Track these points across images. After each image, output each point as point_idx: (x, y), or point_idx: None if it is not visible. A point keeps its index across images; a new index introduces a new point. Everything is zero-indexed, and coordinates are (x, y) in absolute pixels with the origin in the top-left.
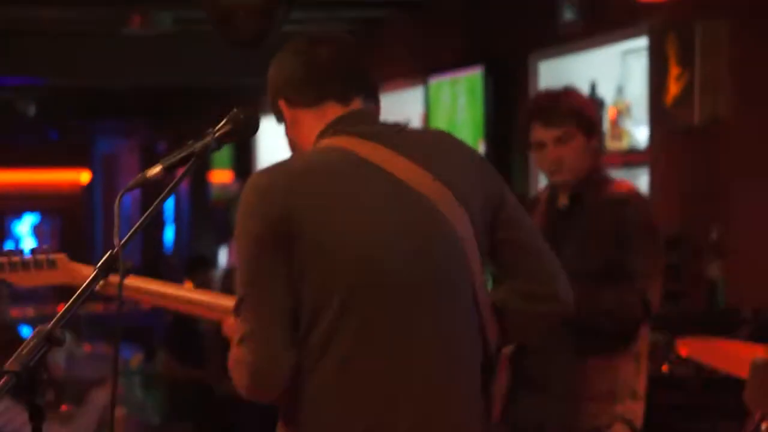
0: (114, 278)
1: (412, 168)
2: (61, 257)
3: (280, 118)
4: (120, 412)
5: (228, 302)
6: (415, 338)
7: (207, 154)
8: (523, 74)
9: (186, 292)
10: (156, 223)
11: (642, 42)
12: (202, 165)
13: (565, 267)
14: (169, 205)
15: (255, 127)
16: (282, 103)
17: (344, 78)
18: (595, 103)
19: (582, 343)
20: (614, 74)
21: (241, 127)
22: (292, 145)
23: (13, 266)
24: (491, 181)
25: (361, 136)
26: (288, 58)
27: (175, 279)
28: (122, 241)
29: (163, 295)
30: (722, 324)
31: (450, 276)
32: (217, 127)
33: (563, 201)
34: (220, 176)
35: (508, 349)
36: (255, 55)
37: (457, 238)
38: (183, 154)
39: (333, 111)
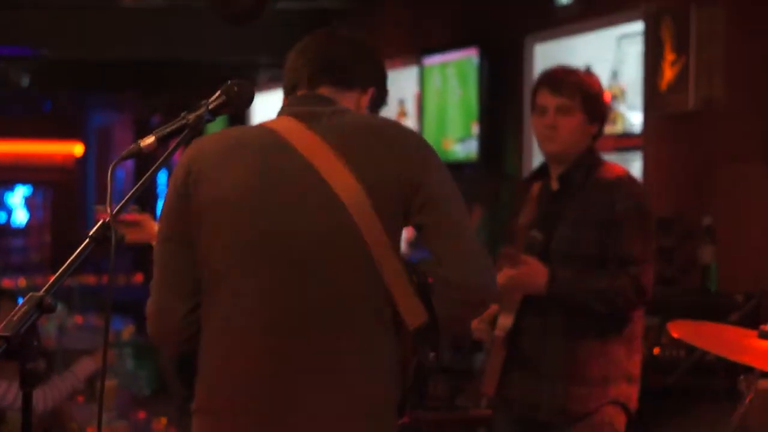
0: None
1: (324, 151)
2: (145, 217)
3: None
4: (111, 383)
5: None
6: (289, 311)
7: (200, 125)
8: (519, 57)
9: None
10: (149, 195)
11: (637, 27)
12: (196, 138)
13: (557, 249)
14: (163, 177)
15: (249, 100)
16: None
17: (314, 68)
18: (606, 98)
19: (573, 325)
20: (609, 58)
21: (235, 99)
22: None
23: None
24: (408, 168)
25: (294, 115)
26: (290, 53)
27: None
28: (114, 211)
29: None
30: (715, 308)
31: (338, 256)
32: (211, 99)
33: (554, 184)
34: None
35: (503, 330)
36: (248, 30)
37: (352, 222)
38: (176, 125)
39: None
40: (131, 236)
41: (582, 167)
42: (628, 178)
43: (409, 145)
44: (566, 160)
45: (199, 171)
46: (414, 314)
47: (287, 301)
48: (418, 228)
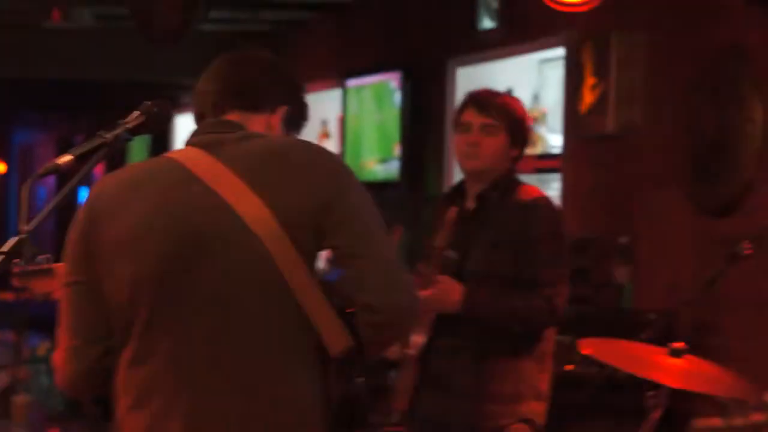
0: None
1: (231, 180)
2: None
3: None
4: (24, 398)
5: None
6: (202, 348)
7: (118, 144)
8: (441, 80)
9: None
10: (70, 215)
11: (559, 51)
12: (118, 157)
13: (472, 270)
14: (84, 195)
15: (167, 120)
16: None
17: (220, 93)
18: (529, 123)
19: (485, 344)
20: (531, 82)
21: (153, 118)
22: None
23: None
24: (319, 189)
25: (199, 144)
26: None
27: None
28: (28, 226)
29: None
30: (628, 326)
31: (251, 287)
32: (129, 118)
33: (471, 203)
34: None
35: (416, 348)
36: (174, 51)
37: (265, 251)
38: (94, 143)
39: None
40: (41, 287)
41: (499, 188)
42: (545, 201)
43: (319, 165)
44: (485, 180)
45: (98, 210)
46: (336, 340)
47: (199, 337)
48: (333, 250)
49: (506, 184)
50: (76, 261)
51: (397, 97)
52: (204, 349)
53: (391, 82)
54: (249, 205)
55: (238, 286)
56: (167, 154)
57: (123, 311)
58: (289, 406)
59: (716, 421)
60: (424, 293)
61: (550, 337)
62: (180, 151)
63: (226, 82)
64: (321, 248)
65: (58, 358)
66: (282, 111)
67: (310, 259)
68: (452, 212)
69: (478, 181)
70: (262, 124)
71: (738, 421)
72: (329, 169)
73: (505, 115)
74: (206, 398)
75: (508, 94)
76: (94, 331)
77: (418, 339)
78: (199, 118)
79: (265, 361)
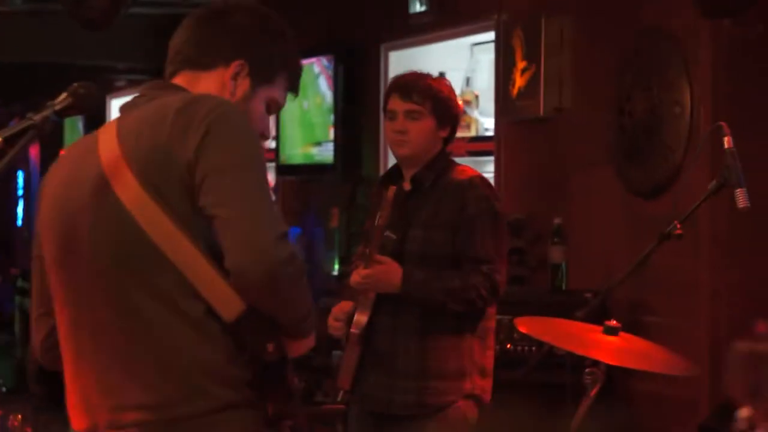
0: None
1: (112, 148)
2: None
3: None
4: None
5: None
6: (86, 325)
7: (46, 126)
8: (374, 64)
9: None
10: (7, 198)
11: (490, 35)
12: (53, 142)
13: (411, 250)
14: (20, 179)
15: (94, 102)
16: None
17: (170, 54)
18: (457, 102)
19: (427, 323)
20: (463, 66)
21: (81, 100)
22: None
23: None
24: (184, 148)
25: (119, 110)
26: None
27: (27, 252)
28: None
29: None
30: (564, 305)
31: (124, 261)
32: (56, 100)
33: (407, 185)
34: None
35: (358, 327)
36: (107, 35)
37: (134, 223)
38: (22, 125)
39: None
40: None
41: (433, 169)
42: (480, 180)
43: (193, 119)
44: (418, 164)
45: (42, 186)
46: (228, 306)
47: (83, 314)
48: (201, 210)
49: (441, 165)
50: (36, 237)
51: (322, 81)
52: (87, 328)
53: (314, 66)
54: (120, 174)
55: (111, 260)
56: (84, 139)
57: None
58: (178, 371)
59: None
60: (364, 272)
61: (492, 315)
62: (102, 127)
63: (178, 41)
64: (199, 212)
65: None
66: (236, 65)
67: (191, 225)
68: (391, 192)
69: (412, 166)
70: (216, 82)
71: None
72: (200, 122)
73: (429, 99)
74: (93, 377)
75: (431, 75)
76: (47, 303)
77: (361, 318)
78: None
79: (148, 338)
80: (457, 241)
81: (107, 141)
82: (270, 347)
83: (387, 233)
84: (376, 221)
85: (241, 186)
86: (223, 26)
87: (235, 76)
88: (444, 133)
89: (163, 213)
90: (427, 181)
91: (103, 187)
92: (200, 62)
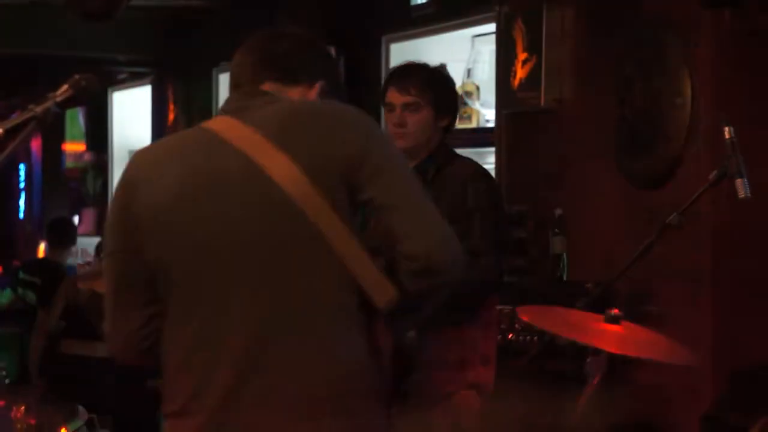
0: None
1: (260, 142)
2: None
3: None
4: None
5: None
6: (233, 303)
7: (48, 117)
8: (375, 55)
9: None
10: (9, 192)
11: (491, 27)
12: (55, 135)
13: None
14: (22, 172)
15: (95, 94)
16: None
17: (257, 64)
18: (454, 90)
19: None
20: (464, 57)
21: (82, 92)
22: None
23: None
24: (349, 143)
25: (227, 112)
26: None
27: (29, 244)
28: None
29: None
30: (566, 295)
31: (289, 249)
32: (57, 92)
33: None
34: (74, 148)
35: None
36: (108, 27)
37: (299, 211)
38: (24, 117)
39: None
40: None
41: (435, 161)
42: (482, 173)
43: (346, 121)
44: (419, 155)
45: (135, 180)
46: (381, 291)
47: (241, 298)
48: (368, 203)
49: (443, 156)
50: (116, 230)
51: None
52: (247, 316)
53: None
54: (278, 165)
55: (275, 249)
56: (198, 124)
57: (166, 276)
58: (338, 359)
59: None
60: None
61: (494, 304)
62: (210, 120)
63: (263, 53)
64: (357, 203)
65: (107, 327)
66: (319, 86)
67: (347, 214)
68: None
69: (413, 157)
70: (300, 96)
71: None
72: (356, 122)
73: (426, 89)
74: (249, 366)
75: (427, 64)
76: (137, 297)
77: None
78: (233, 89)
79: (309, 317)
80: (457, 232)
81: (246, 136)
82: (413, 336)
83: None
84: None
85: (409, 183)
86: (317, 50)
87: (319, 95)
88: (444, 122)
89: (324, 200)
90: (428, 173)
91: (262, 180)
92: (288, 76)
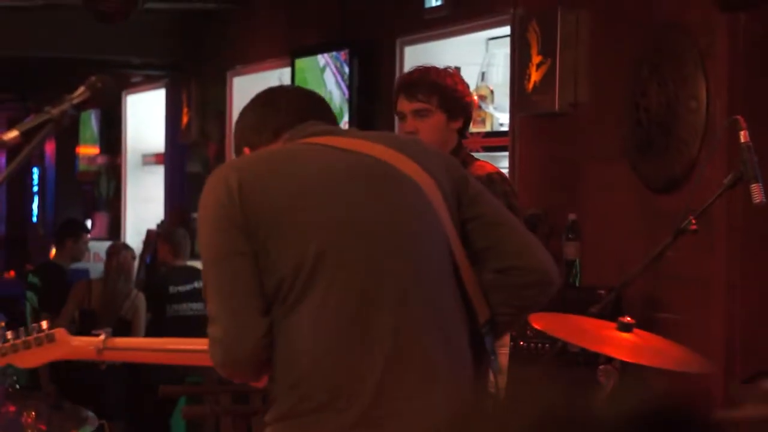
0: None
1: (385, 150)
2: (59, 331)
3: None
4: None
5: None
6: (386, 291)
7: (64, 119)
8: (389, 58)
9: (166, 344)
10: (22, 195)
11: (506, 29)
12: (69, 139)
13: None
14: (36, 177)
15: (112, 96)
16: (246, 150)
17: (297, 111)
18: (465, 91)
19: None
20: (478, 60)
21: (99, 94)
22: None
23: (15, 348)
24: (452, 163)
25: (315, 134)
26: (250, 109)
27: (42, 248)
28: None
29: (146, 350)
30: (579, 302)
31: (433, 256)
32: (74, 94)
33: None
34: (88, 151)
35: None
36: (122, 30)
37: (432, 207)
38: (40, 119)
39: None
40: (38, 358)
41: None
42: (498, 176)
43: (436, 149)
44: None
45: (248, 182)
46: (483, 310)
47: (384, 298)
48: (476, 219)
49: (460, 159)
50: (230, 235)
51: (328, 74)
52: (394, 307)
53: (320, 59)
54: (412, 170)
55: (420, 253)
56: (291, 145)
57: (292, 278)
58: (467, 362)
59: (737, 413)
60: None
61: None
62: (301, 143)
63: (304, 100)
64: (462, 220)
65: (225, 336)
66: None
67: (458, 229)
68: None
69: None
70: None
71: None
72: (447, 154)
73: (435, 94)
74: (385, 369)
75: (435, 67)
76: (259, 303)
77: None
78: (269, 137)
79: (444, 322)
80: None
81: (372, 146)
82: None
83: None
84: None
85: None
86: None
87: None
88: (457, 125)
89: (450, 212)
90: None
91: (401, 177)
92: (328, 117)
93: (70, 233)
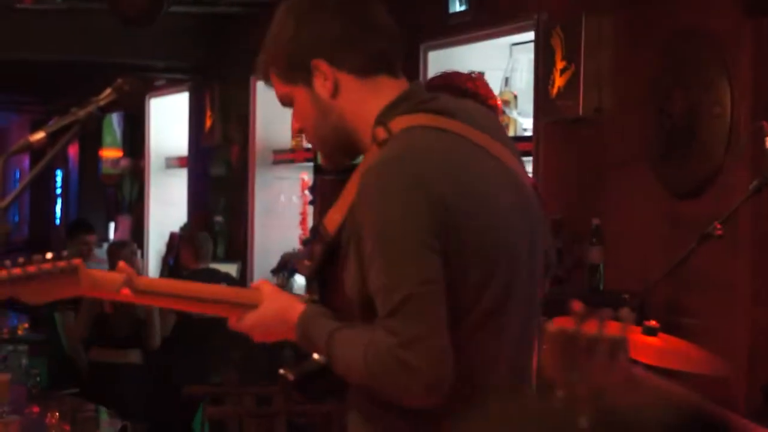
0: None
1: (505, 152)
2: (80, 263)
3: (296, 80)
4: (4, 377)
5: (233, 295)
6: (525, 301)
7: (91, 122)
8: (413, 63)
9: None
10: (45, 197)
11: (530, 35)
12: (92, 142)
13: None
14: (59, 178)
15: (138, 98)
16: (320, 64)
17: (393, 47)
18: (491, 95)
19: None
20: (502, 65)
21: (125, 96)
22: (328, 112)
23: (28, 276)
24: None
25: (443, 113)
26: (331, 11)
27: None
28: (3, 202)
29: (174, 294)
30: (602, 306)
31: (538, 254)
32: (101, 96)
33: None
34: (111, 154)
35: None
36: (146, 33)
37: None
38: (66, 121)
39: (387, 86)
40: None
41: None
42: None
43: None
44: None
45: (454, 179)
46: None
47: (523, 311)
48: None
49: None
50: (429, 227)
51: None
52: (528, 334)
53: None
54: (526, 177)
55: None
56: (435, 125)
57: (474, 285)
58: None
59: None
60: None
61: None
62: (431, 119)
63: (394, 36)
64: None
65: (421, 370)
66: None
67: None
68: None
69: None
70: None
71: (592, 331)
72: None
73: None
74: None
75: (459, 73)
76: (448, 315)
77: None
78: (367, 71)
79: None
80: None
81: (504, 153)
82: None
83: None
84: None
85: None
86: None
87: None
88: None
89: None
90: None
91: (530, 194)
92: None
93: (70, 233)
